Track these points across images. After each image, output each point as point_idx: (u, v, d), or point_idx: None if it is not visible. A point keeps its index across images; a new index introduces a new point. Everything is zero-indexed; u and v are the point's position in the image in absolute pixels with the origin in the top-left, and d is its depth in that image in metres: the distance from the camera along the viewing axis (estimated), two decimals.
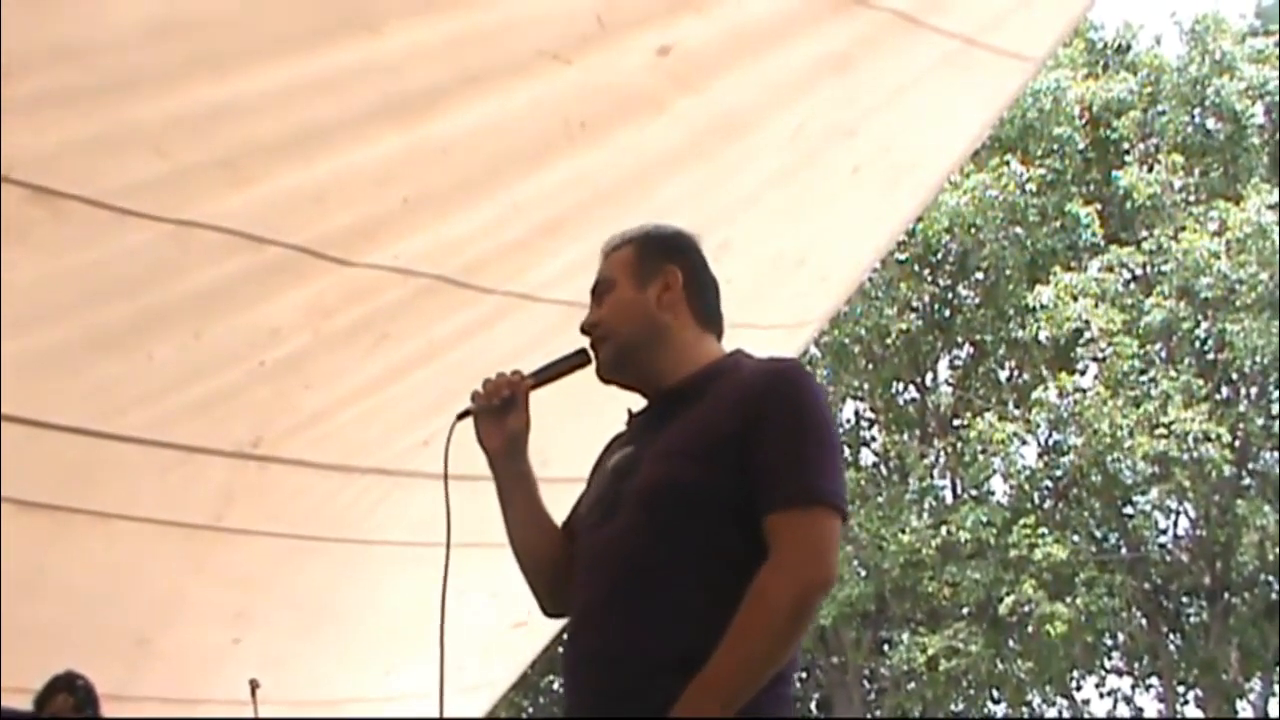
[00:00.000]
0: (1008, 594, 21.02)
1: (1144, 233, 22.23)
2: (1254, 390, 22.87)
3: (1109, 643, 23.86)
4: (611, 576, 2.81)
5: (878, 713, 24.65)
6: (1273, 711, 22.99)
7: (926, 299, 23.77)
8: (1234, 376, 22.58)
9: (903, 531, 21.84)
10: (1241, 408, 22.36)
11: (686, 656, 2.67)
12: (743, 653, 2.65)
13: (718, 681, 2.64)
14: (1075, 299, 20.93)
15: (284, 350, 5.81)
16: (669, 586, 2.74)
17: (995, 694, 24.10)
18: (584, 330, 3.06)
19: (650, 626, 2.74)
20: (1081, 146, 22.73)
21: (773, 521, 2.71)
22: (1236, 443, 21.15)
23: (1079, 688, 24.79)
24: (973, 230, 21.99)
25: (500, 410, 3.07)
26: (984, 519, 21.27)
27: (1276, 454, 22.78)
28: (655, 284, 3.00)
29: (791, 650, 2.69)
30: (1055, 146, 22.43)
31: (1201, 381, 21.27)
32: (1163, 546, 23.46)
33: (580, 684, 2.85)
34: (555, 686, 24.11)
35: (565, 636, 2.94)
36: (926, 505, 23.12)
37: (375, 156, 5.14)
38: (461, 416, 3.09)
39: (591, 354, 3.04)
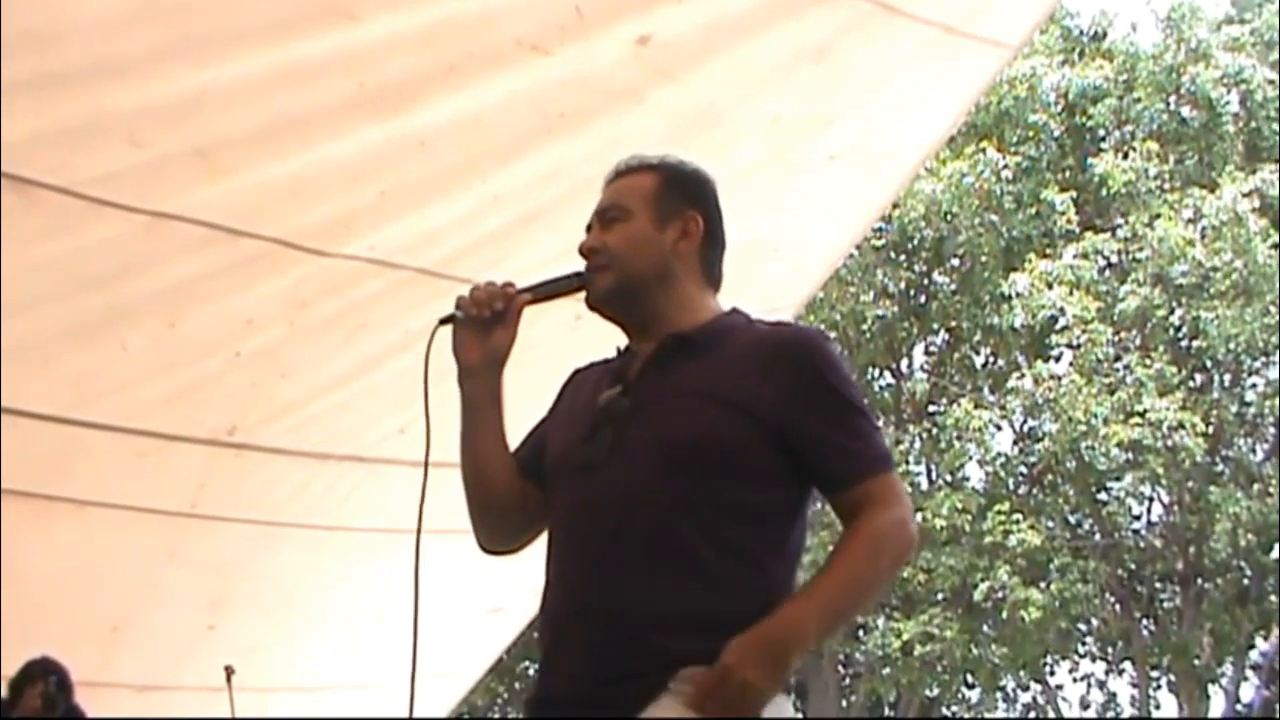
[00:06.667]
0: (982, 580, 21.05)
1: (1119, 220, 22.24)
2: (1227, 378, 22.95)
3: (1083, 628, 23.92)
4: (620, 528, 2.66)
5: (852, 698, 24.71)
6: (1244, 696, 23.11)
7: (902, 285, 23.75)
8: (1208, 364, 22.63)
9: None
10: (1215, 395, 22.42)
11: (700, 613, 2.59)
12: (851, 579, 2.63)
13: (824, 600, 2.61)
14: (1050, 286, 20.91)
15: (260, 340, 5.81)
16: (685, 541, 2.62)
17: (969, 679, 24.16)
18: (583, 253, 2.87)
19: (668, 584, 2.61)
20: (1057, 134, 22.72)
21: (869, 485, 2.68)
22: (1210, 430, 21.17)
23: (1053, 673, 24.89)
24: (948, 217, 21.98)
25: (487, 323, 2.86)
26: (959, 505, 21.27)
27: (1249, 441, 22.88)
28: (674, 226, 2.85)
29: (882, 593, 2.69)
30: (1031, 134, 22.42)
31: (1175, 369, 21.30)
32: (1136, 533, 23.53)
33: (574, 642, 2.67)
34: (531, 671, 24.12)
35: (550, 587, 2.77)
36: None
37: (352, 148, 5.12)
38: (444, 322, 2.88)
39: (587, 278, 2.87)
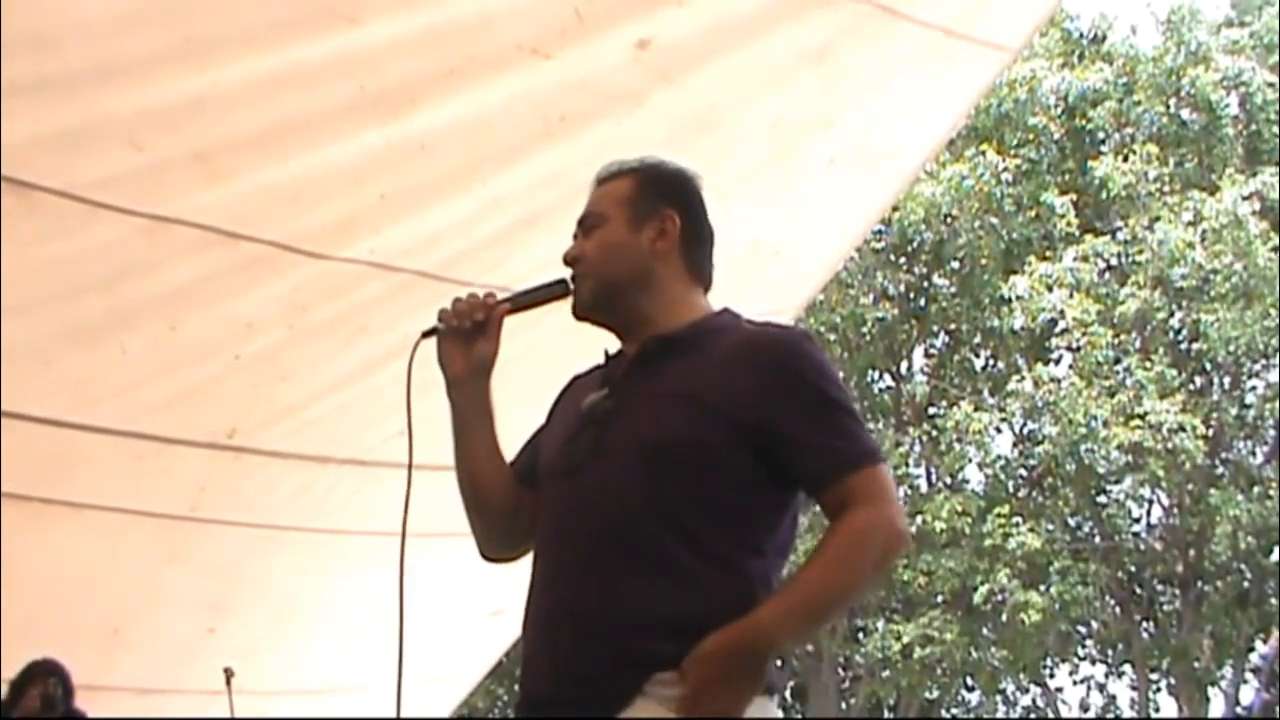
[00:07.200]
0: (982, 582, 21.06)
1: (1119, 223, 22.27)
2: (1227, 380, 22.95)
3: (1082, 631, 23.93)
4: (595, 530, 2.67)
5: (852, 700, 24.70)
6: (1244, 699, 23.11)
7: (902, 288, 23.77)
8: (1208, 367, 22.65)
9: None
10: (1215, 398, 22.43)
11: (674, 614, 2.59)
12: (830, 581, 2.60)
13: (800, 602, 2.59)
14: (1050, 289, 20.94)
15: (259, 344, 5.80)
16: (660, 544, 2.62)
17: (969, 682, 24.18)
18: (566, 262, 2.89)
19: (640, 586, 2.61)
20: (1057, 136, 22.75)
21: (851, 481, 2.63)
22: (1210, 433, 21.18)
23: (1053, 675, 24.88)
24: (948, 220, 22.00)
25: (469, 333, 2.89)
26: (959, 508, 21.29)
27: (1249, 444, 22.88)
28: (650, 227, 2.85)
29: (866, 592, 2.62)
30: (1031, 136, 22.45)
31: (1175, 371, 21.31)
32: (1136, 535, 23.52)
33: (554, 645, 2.69)
34: None
35: (531, 592, 2.79)
36: (902, 494, 23.13)
37: (352, 151, 5.12)
38: (427, 335, 2.91)
39: (571, 287, 2.89)
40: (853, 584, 2.70)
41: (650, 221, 2.86)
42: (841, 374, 22.39)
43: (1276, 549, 21.72)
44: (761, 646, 2.56)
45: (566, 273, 2.91)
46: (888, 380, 25.03)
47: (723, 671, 2.53)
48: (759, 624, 2.55)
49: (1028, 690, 25.19)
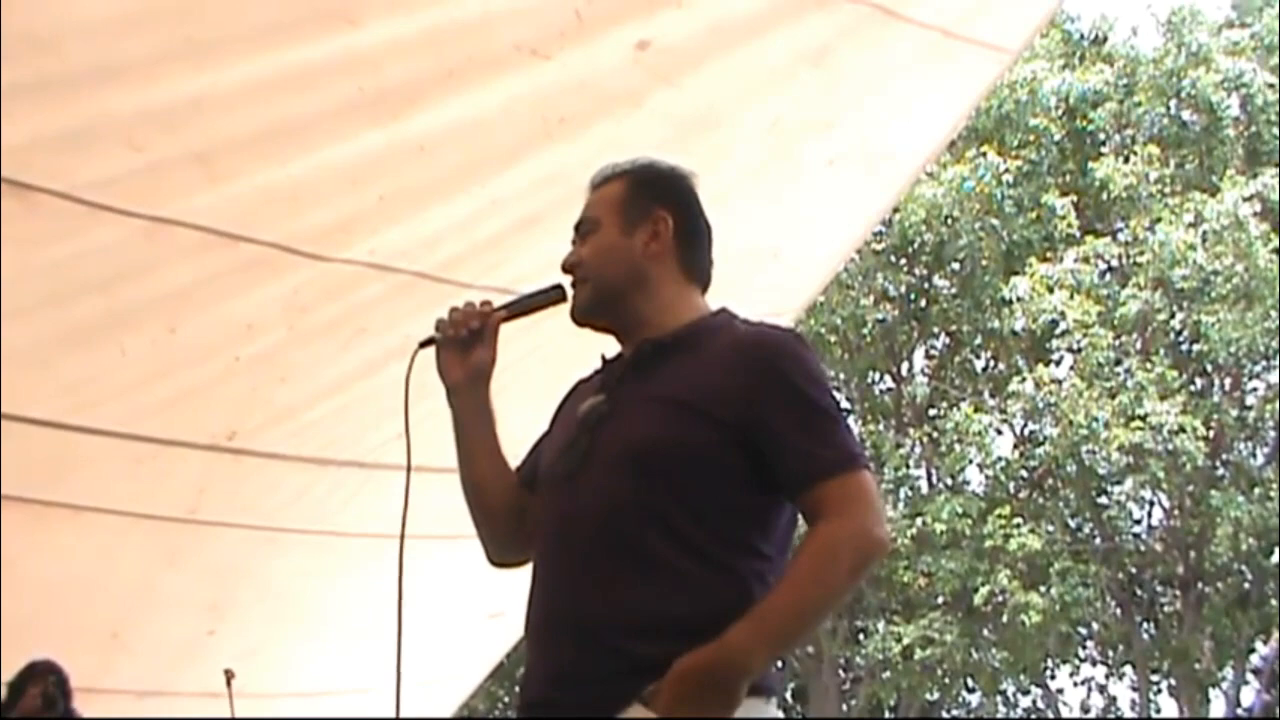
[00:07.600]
0: (983, 584, 21.05)
1: (1120, 224, 22.28)
2: (1228, 382, 22.96)
3: (1083, 632, 23.92)
4: (588, 535, 2.68)
5: (852, 702, 24.70)
6: (1245, 700, 23.10)
7: (903, 289, 23.79)
8: (1209, 368, 22.66)
9: None
10: (1216, 399, 22.43)
11: (667, 616, 2.59)
12: (800, 599, 2.58)
13: (770, 624, 2.56)
14: (1051, 290, 20.95)
15: (259, 345, 5.79)
16: (654, 546, 2.63)
17: (970, 683, 24.19)
18: (564, 269, 2.90)
19: (632, 590, 2.62)
20: (1058, 138, 22.74)
21: (826, 488, 2.62)
22: (1211, 434, 21.19)
23: (1053, 677, 24.88)
24: (949, 221, 21.99)
25: (466, 341, 2.93)
26: (959, 509, 21.28)
27: (1250, 445, 22.88)
28: (643, 229, 2.85)
29: (841, 603, 2.62)
30: (1031, 138, 22.45)
31: (1176, 373, 21.31)
32: (1137, 537, 23.54)
33: (551, 649, 2.71)
34: None
35: (531, 596, 2.80)
36: (902, 495, 23.16)
37: (351, 152, 5.11)
38: (424, 345, 2.95)
39: (569, 292, 2.90)
40: (824, 599, 2.68)
41: (643, 224, 2.86)
42: (842, 375, 22.44)
43: (1277, 550, 21.73)
44: (735, 669, 2.54)
45: (563, 277, 2.92)
46: (888, 382, 25.03)
47: (694, 692, 2.52)
48: (731, 647, 2.54)
49: (1028, 691, 25.19)
